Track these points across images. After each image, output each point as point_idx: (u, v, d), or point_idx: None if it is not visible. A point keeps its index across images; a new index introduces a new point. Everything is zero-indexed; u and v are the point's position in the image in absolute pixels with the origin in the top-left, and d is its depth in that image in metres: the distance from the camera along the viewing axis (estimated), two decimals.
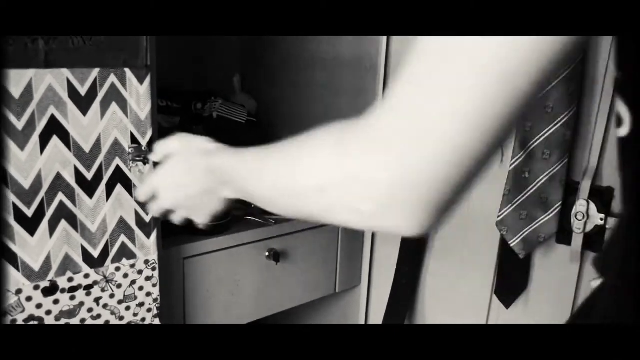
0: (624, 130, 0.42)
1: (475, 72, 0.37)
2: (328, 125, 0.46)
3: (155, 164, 0.70)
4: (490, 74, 0.37)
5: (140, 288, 1.01)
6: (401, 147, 0.40)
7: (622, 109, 0.41)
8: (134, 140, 0.94)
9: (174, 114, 1.39)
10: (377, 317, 1.50)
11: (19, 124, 0.83)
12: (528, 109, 0.39)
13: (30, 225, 0.88)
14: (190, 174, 0.64)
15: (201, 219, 0.67)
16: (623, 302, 0.44)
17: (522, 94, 0.38)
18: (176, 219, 0.70)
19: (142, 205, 0.97)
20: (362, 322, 1.55)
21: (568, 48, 0.37)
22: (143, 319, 1.03)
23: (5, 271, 0.85)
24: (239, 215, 1.27)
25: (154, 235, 1.01)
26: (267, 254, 1.26)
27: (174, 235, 1.11)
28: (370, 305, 1.55)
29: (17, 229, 0.87)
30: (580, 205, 1.10)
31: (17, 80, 0.82)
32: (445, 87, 0.38)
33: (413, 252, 1.31)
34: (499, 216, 1.17)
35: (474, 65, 0.37)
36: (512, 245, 1.17)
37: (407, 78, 0.40)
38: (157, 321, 1.05)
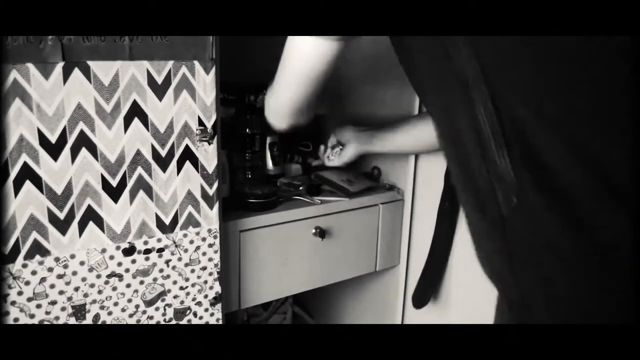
0: None
1: (293, 74, 0.86)
2: None
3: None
4: (301, 74, 0.84)
5: (204, 253, 1.16)
6: (272, 101, 0.98)
7: None
8: (200, 123, 1.09)
9: (229, 105, 1.54)
10: None
11: (108, 107, 0.99)
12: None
13: (115, 193, 1.03)
14: None
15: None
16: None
17: (317, 81, 0.85)
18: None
19: (207, 180, 1.12)
20: (401, 300, 1.66)
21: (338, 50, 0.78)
22: (205, 282, 1.18)
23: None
24: (288, 196, 1.41)
25: (216, 207, 1.15)
26: (313, 231, 1.39)
27: (232, 210, 1.26)
28: (407, 285, 1.66)
29: (104, 197, 1.02)
30: None
31: (107, 70, 0.97)
32: (282, 83, 0.90)
33: (446, 233, 1.41)
34: None
35: (293, 71, 0.85)
36: None
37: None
38: (217, 284, 1.19)
